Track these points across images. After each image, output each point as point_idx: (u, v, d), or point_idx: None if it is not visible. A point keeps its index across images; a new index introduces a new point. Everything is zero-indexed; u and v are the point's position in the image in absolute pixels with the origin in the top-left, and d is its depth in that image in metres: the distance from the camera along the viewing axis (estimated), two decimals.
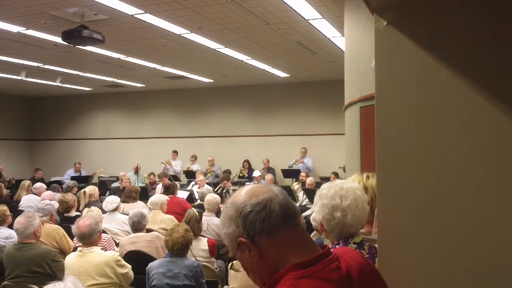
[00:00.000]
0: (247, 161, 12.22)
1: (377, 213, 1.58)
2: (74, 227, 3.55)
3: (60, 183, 9.37)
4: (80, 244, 3.57)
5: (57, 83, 11.61)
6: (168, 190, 6.73)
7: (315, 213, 1.90)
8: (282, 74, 11.11)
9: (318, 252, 1.13)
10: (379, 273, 1.25)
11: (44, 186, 7.56)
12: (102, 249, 3.76)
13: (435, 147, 1.40)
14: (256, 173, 10.44)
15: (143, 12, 6.23)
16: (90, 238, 3.45)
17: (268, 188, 1.17)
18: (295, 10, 6.12)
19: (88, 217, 3.64)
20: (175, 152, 12.45)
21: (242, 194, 1.16)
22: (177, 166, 12.08)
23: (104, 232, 4.69)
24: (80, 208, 6.01)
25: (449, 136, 1.38)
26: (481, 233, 1.33)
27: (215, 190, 8.64)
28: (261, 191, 1.15)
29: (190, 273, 3.43)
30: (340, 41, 7.51)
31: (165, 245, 3.60)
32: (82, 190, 6.75)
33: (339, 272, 1.10)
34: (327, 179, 9.44)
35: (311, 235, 3.79)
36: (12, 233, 4.30)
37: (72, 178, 10.26)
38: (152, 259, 3.83)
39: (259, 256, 1.11)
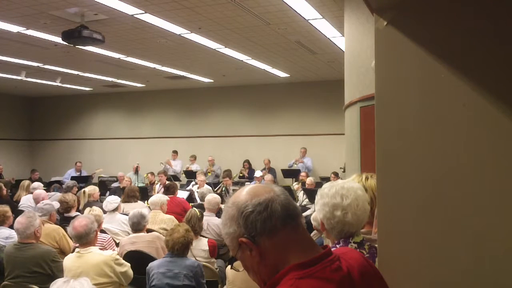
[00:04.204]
0: (247, 161, 12.22)
1: (377, 213, 1.58)
2: (69, 228, 3.54)
3: (60, 183, 9.36)
4: (78, 245, 3.56)
5: (57, 83, 11.61)
6: (168, 190, 6.73)
7: (316, 212, 1.91)
8: (282, 74, 11.11)
9: (319, 252, 1.13)
10: (380, 273, 1.25)
11: (41, 185, 7.57)
12: (101, 249, 3.76)
13: (435, 147, 1.40)
14: (257, 173, 10.44)
15: (143, 12, 6.23)
16: (87, 237, 3.45)
17: (269, 188, 1.17)
18: (295, 10, 6.12)
19: (83, 217, 3.64)
20: (175, 152, 12.45)
21: (244, 193, 1.16)
22: (177, 166, 12.07)
23: (104, 232, 4.70)
24: (80, 208, 6.01)
25: (449, 136, 1.38)
26: (481, 233, 1.33)
27: (215, 190, 8.64)
28: (263, 191, 1.15)
29: (190, 273, 3.43)
30: (340, 41, 7.51)
31: (166, 245, 3.60)
32: (82, 190, 6.75)
33: (340, 272, 1.10)
34: (327, 179, 9.44)
35: (311, 235, 3.79)
36: (12, 233, 4.30)
37: (72, 178, 10.25)
38: (152, 259, 3.83)
39: (260, 256, 1.11)
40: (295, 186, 9.35)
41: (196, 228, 4.25)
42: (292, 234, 1.12)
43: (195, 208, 4.59)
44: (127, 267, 3.52)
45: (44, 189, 7.23)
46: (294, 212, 1.14)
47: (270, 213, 1.11)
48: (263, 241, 1.10)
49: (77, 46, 7.43)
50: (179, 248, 3.49)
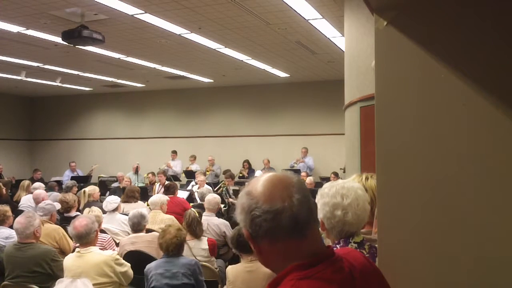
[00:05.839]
0: (247, 161, 12.22)
1: (377, 213, 1.58)
2: (70, 228, 3.54)
3: (60, 183, 9.35)
4: (78, 245, 3.56)
5: (57, 83, 11.61)
6: (168, 190, 6.73)
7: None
8: (282, 74, 11.11)
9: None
10: (381, 273, 1.25)
11: (43, 185, 7.57)
12: (101, 249, 3.75)
13: (435, 147, 1.40)
14: (257, 173, 10.44)
15: (143, 12, 6.23)
16: (87, 237, 3.44)
17: (289, 192, 1.09)
18: (295, 10, 6.12)
19: (83, 217, 3.64)
20: (174, 152, 12.44)
21: (260, 189, 1.10)
22: (177, 166, 12.07)
23: (104, 232, 4.69)
24: (80, 208, 6.01)
25: (449, 136, 1.38)
26: (481, 233, 1.33)
27: (215, 189, 8.64)
28: (279, 197, 1.08)
29: (189, 272, 3.43)
30: (340, 41, 7.51)
31: (160, 247, 3.57)
32: (82, 190, 6.74)
33: (342, 273, 1.09)
34: (327, 179, 9.44)
35: None
36: (12, 233, 4.30)
37: (72, 178, 10.25)
38: (152, 259, 3.82)
39: (259, 253, 1.12)
40: None
41: (197, 232, 4.25)
42: (295, 245, 1.08)
43: (193, 210, 4.58)
44: (127, 267, 3.51)
45: (45, 189, 7.23)
46: (304, 225, 1.08)
47: (275, 225, 1.07)
48: (264, 243, 1.10)
49: (77, 46, 7.43)
50: (173, 249, 3.48)
